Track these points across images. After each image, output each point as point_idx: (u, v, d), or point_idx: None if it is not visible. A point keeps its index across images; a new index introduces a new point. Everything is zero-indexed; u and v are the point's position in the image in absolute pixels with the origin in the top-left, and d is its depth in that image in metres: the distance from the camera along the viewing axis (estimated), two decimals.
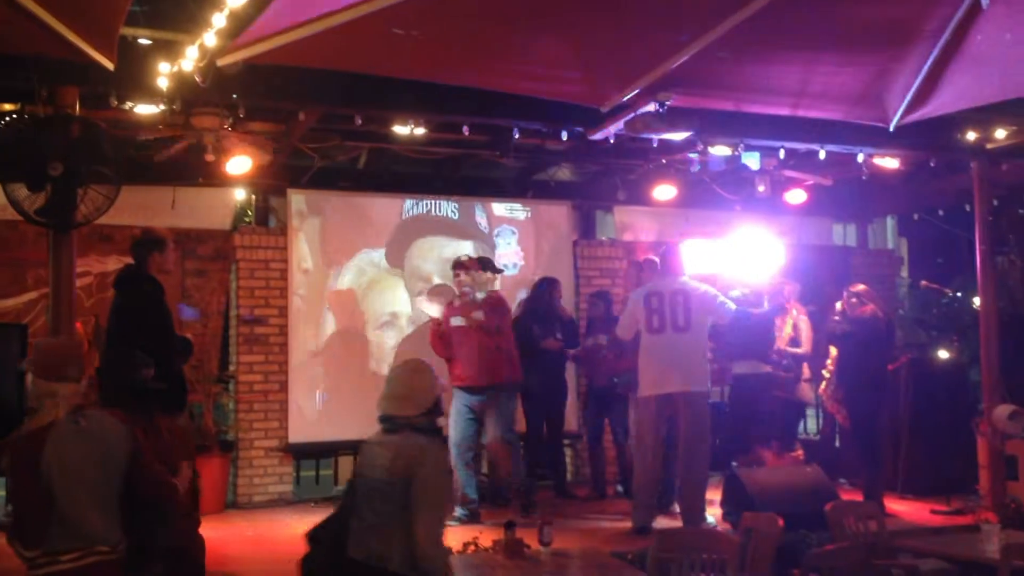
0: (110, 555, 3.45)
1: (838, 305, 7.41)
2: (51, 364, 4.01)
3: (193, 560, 4.23)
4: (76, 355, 4.03)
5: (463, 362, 6.81)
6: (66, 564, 3.37)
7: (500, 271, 7.80)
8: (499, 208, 8.86)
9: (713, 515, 6.58)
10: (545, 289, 7.93)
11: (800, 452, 7.76)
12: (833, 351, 7.57)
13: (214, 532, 6.60)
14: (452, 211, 8.69)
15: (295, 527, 6.64)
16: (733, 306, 6.61)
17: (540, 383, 7.70)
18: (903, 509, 7.16)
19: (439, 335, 6.88)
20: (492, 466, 7.59)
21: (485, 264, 7.17)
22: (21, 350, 5.28)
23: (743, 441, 7.65)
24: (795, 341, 8.00)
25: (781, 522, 4.32)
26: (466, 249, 8.48)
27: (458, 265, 7.01)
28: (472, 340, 6.77)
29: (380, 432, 3.42)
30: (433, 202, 8.62)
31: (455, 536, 5.74)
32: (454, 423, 6.80)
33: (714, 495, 6.81)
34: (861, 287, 7.41)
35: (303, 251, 8.08)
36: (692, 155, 7.83)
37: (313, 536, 3.41)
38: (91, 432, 3.54)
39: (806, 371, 8.04)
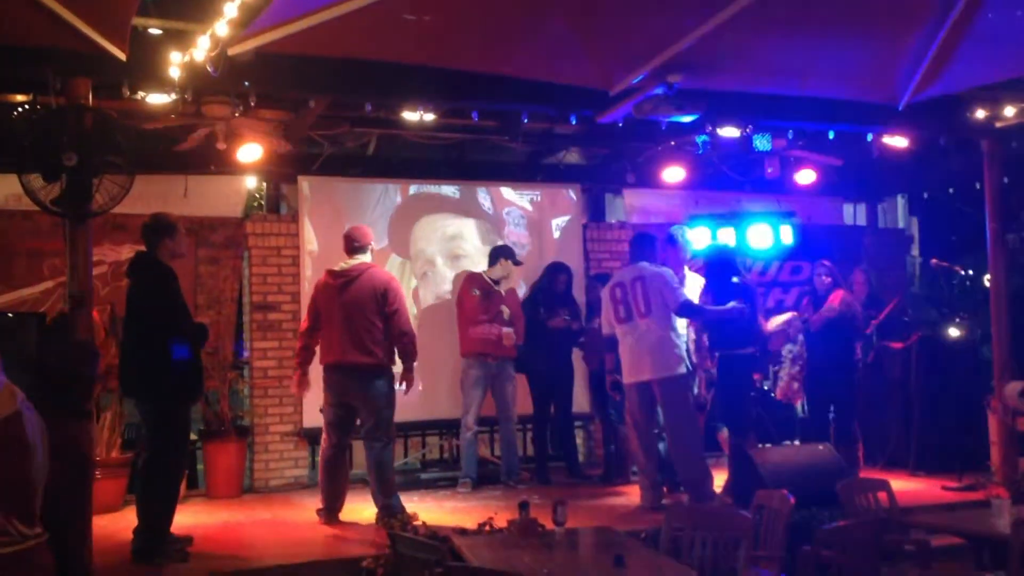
0: (41, 538, 3.21)
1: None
2: None
3: None
4: None
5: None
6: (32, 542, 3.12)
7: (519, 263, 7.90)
8: (508, 191, 8.84)
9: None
10: (547, 275, 8.00)
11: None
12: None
13: (231, 516, 6.72)
14: (454, 191, 8.68)
15: (310, 510, 6.73)
16: (682, 296, 6.46)
17: (546, 364, 7.79)
18: (915, 486, 7.19)
19: None
20: None
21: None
22: (38, 338, 5.39)
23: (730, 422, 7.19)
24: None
25: (792, 500, 4.37)
26: (469, 227, 8.52)
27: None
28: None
29: None
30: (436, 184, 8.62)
31: (471, 516, 5.83)
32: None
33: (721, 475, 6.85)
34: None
35: (312, 236, 8.11)
36: (701, 137, 7.82)
37: None
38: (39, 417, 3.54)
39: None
